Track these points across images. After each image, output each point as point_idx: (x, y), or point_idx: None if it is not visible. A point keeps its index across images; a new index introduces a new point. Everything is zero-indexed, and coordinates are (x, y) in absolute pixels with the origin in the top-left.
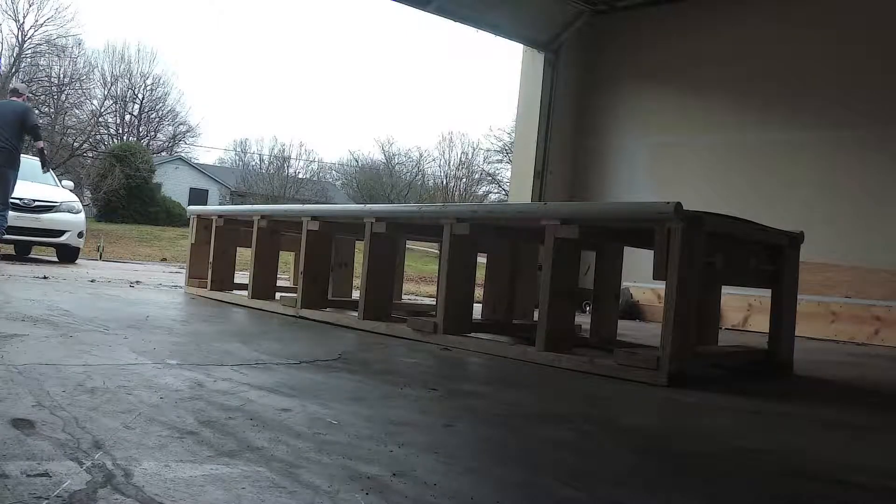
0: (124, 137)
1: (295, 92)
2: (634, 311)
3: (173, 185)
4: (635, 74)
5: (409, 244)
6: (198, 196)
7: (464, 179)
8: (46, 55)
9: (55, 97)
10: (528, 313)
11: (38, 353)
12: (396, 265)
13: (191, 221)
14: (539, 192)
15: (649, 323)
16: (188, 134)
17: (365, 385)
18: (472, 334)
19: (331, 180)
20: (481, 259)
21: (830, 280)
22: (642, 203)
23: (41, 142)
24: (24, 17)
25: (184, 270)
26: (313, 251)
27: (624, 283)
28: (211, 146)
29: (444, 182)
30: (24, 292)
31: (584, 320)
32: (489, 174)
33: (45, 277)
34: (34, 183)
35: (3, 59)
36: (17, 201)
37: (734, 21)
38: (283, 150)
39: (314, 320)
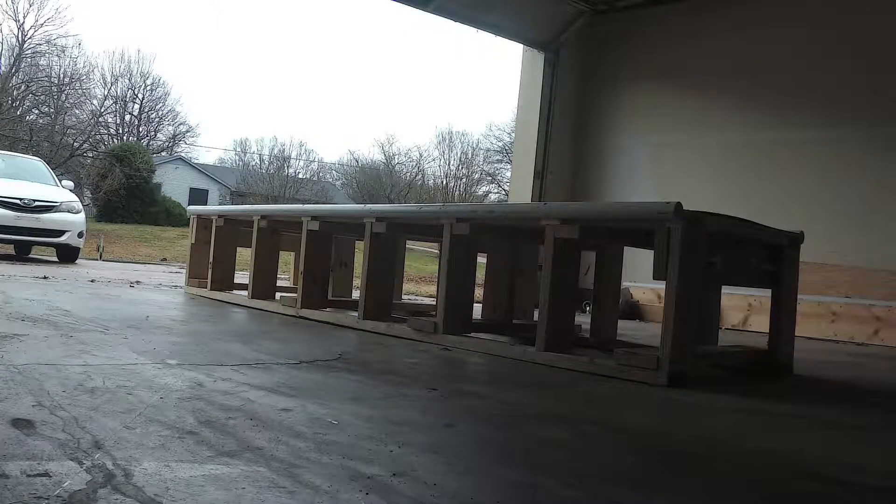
0: (124, 137)
1: (295, 92)
2: (634, 311)
3: (173, 185)
4: (635, 74)
5: (409, 244)
6: (198, 196)
7: (464, 179)
8: (46, 55)
9: (55, 97)
10: (528, 313)
11: (38, 353)
12: (396, 265)
13: (191, 221)
14: (539, 192)
15: (649, 323)
16: (188, 134)
17: (365, 385)
18: (472, 334)
19: (331, 180)
20: (481, 259)
21: (830, 280)
22: (642, 203)
23: None
24: (24, 17)
25: (184, 270)
26: (313, 251)
27: (624, 283)
28: (211, 146)
29: (444, 182)
30: (24, 292)
31: (584, 320)
32: (489, 174)
33: (45, 277)
34: (34, 183)
35: (3, 59)
36: (18, 201)
37: (734, 21)
38: (283, 150)
39: (314, 320)
